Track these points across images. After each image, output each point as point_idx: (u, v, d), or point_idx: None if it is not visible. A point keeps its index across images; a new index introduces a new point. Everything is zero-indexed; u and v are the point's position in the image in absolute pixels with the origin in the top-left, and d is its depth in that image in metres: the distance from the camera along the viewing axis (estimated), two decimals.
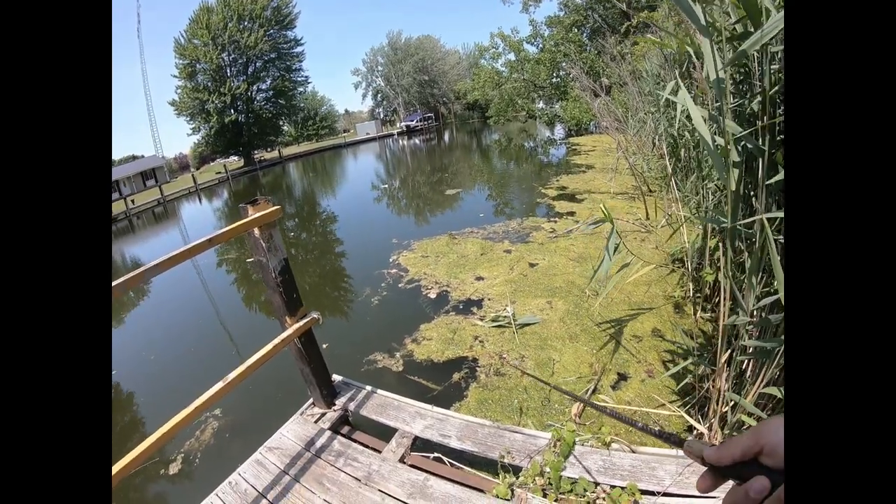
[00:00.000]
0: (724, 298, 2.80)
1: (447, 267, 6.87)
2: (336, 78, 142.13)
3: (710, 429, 2.71)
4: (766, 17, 2.03)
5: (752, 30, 2.25)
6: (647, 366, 3.80)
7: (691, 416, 2.95)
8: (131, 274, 1.86)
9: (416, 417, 2.56)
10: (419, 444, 2.51)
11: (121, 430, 5.50)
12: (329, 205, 18.38)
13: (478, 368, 4.17)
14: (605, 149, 15.27)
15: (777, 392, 2.24)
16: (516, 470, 2.25)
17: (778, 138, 2.45)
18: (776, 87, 2.32)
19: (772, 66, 2.32)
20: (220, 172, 39.38)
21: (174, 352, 6.70)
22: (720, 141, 2.50)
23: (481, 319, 5.04)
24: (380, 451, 2.45)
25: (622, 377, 3.71)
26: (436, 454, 2.48)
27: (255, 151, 46.12)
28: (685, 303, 4.63)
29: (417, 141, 45.05)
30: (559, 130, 26.40)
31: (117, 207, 30.01)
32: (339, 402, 2.82)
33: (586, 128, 22.30)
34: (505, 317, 4.92)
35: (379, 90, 64.09)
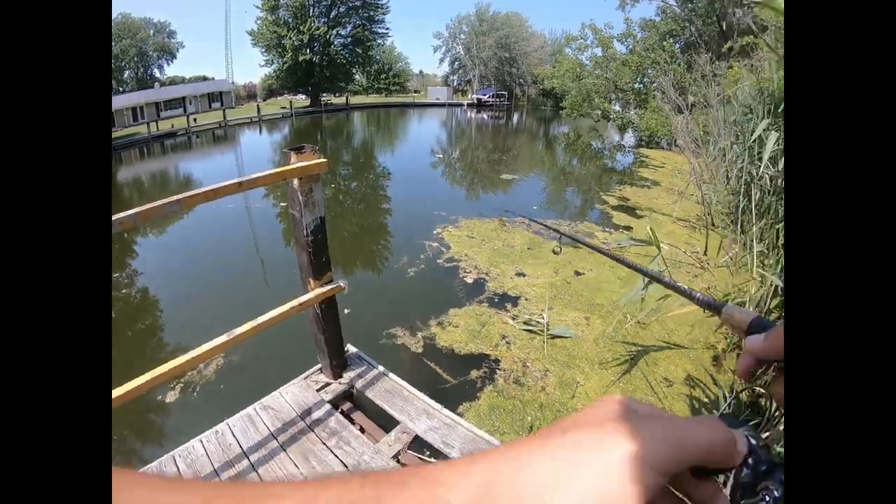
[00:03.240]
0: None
1: (490, 254, 6.64)
2: (416, 37, 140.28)
3: None
4: None
5: None
6: None
7: None
8: (144, 207, 1.73)
9: (422, 415, 2.39)
10: (419, 443, 2.35)
11: (131, 339, 5.58)
12: (385, 160, 18.33)
13: (498, 371, 3.98)
14: (675, 168, 14.56)
15: None
16: None
17: None
18: None
19: None
20: (284, 108, 39.82)
21: (202, 283, 6.75)
22: None
23: (513, 319, 4.83)
24: (376, 441, 2.30)
25: None
26: (432, 459, 2.32)
27: (324, 94, 46.15)
28: (725, 356, 4.30)
29: (485, 116, 44.43)
30: (629, 138, 25.52)
31: (179, 123, 31.11)
32: (348, 375, 2.67)
33: (658, 142, 21.41)
34: (538, 322, 4.69)
35: (457, 58, 63.21)
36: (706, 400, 3.71)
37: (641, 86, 26.76)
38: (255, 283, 6.46)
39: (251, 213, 9.84)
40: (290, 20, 41.12)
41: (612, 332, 4.61)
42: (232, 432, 2.40)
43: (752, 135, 5.13)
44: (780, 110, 4.52)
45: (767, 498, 0.35)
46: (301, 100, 47.86)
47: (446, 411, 2.46)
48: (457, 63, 64.01)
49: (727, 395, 3.44)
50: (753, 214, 4.57)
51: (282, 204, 10.08)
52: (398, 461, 2.20)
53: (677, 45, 25.99)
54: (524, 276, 5.95)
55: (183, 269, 7.60)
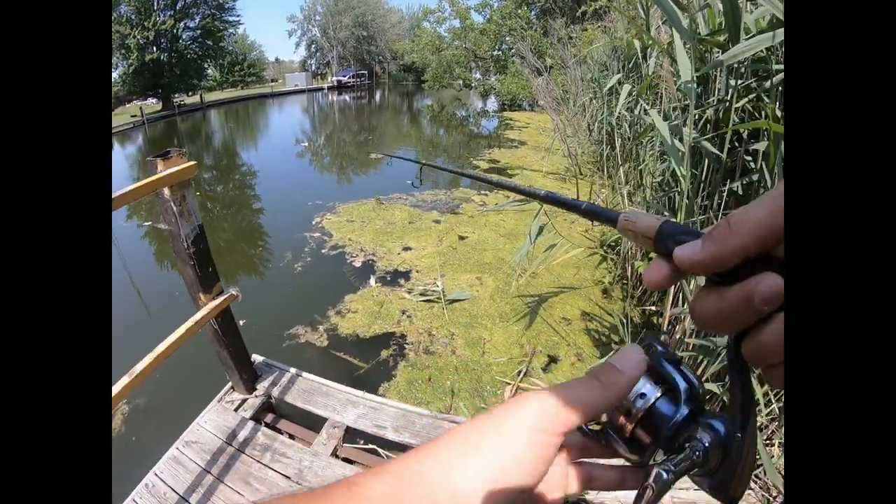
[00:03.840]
0: (671, 291, 2.82)
1: (374, 234, 6.61)
2: (269, 23, 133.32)
3: None
4: (744, 34, 2.06)
5: (722, 41, 2.27)
6: (576, 349, 3.81)
7: None
8: None
9: (347, 405, 2.36)
10: (352, 434, 2.32)
11: None
12: (249, 158, 17.37)
13: (407, 345, 4.02)
14: (539, 127, 15.33)
15: (716, 388, 2.25)
16: None
17: (739, 147, 2.47)
18: (742, 100, 2.35)
19: (737, 81, 2.33)
20: (135, 116, 35.89)
21: None
22: (678, 144, 2.51)
23: (409, 292, 4.88)
24: (310, 444, 2.24)
25: (553, 360, 3.71)
26: (370, 445, 2.31)
27: (176, 95, 41.82)
28: (613, 288, 4.69)
29: (347, 98, 43.80)
30: (492, 103, 26.38)
31: None
32: (261, 386, 2.56)
33: (520, 104, 22.34)
34: (434, 291, 4.78)
35: (314, 41, 61.27)
36: (604, 330, 4.04)
37: (500, 53, 27.71)
38: (135, 316, 5.86)
39: (115, 236, 8.86)
40: (132, 17, 36.09)
41: (506, 288, 4.83)
42: (162, 480, 2.18)
43: (605, 88, 5.53)
44: (631, 65, 4.91)
45: (697, 453, 0.32)
46: (152, 104, 43.13)
47: (369, 395, 2.46)
48: (314, 46, 62.02)
49: (622, 320, 3.75)
50: (619, 159, 4.95)
51: (146, 223, 9.23)
52: (337, 457, 2.16)
53: (533, 12, 27.12)
54: (411, 249, 6.02)
55: None
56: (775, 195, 0.26)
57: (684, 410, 0.34)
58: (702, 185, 2.79)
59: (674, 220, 0.34)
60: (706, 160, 2.66)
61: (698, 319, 0.30)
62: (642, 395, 0.35)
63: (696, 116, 2.62)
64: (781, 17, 1.77)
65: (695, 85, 2.37)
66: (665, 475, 0.31)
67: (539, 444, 0.32)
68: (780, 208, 0.25)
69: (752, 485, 2.11)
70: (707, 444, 0.32)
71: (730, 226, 0.27)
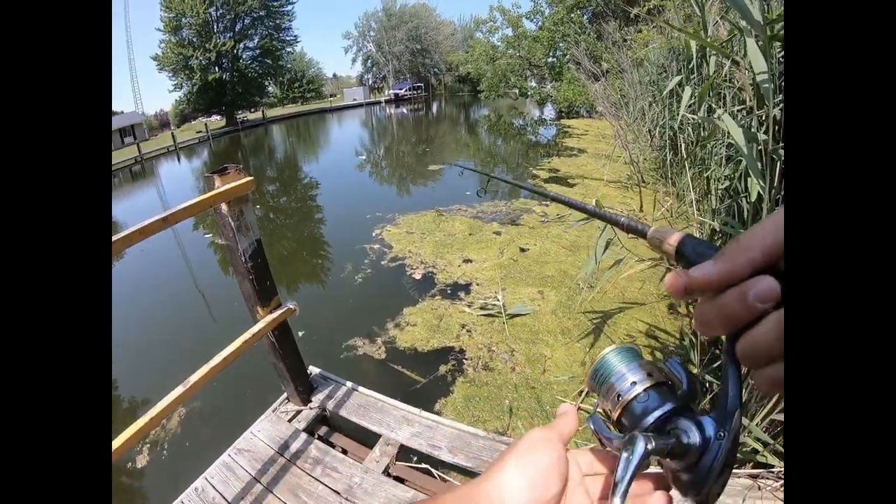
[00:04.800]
0: None
1: (433, 246, 6.57)
2: (326, 40, 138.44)
3: None
4: None
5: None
6: None
7: None
8: None
9: (402, 423, 2.30)
10: (406, 452, 2.26)
11: None
12: (311, 170, 17.90)
13: (465, 361, 3.93)
14: (598, 134, 14.97)
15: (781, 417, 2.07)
16: None
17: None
18: None
19: None
20: (200, 132, 37.86)
21: (143, 330, 6.16)
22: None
23: (469, 306, 4.79)
24: (362, 460, 2.19)
25: None
26: (424, 465, 2.23)
27: (238, 112, 44.15)
28: (679, 304, 4.44)
29: (405, 110, 44.59)
30: (549, 111, 26.10)
31: None
32: (316, 399, 2.54)
33: (577, 111, 21.98)
34: (494, 305, 4.67)
35: (369, 56, 62.97)
36: (671, 347, 3.82)
37: (555, 59, 27.42)
38: (201, 319, 6.07)
39: (182, 246, 9.28)
40: (194, 39, 38.90)
41: (569, 302, 4.66)
42: (212, 486, 2.20)
43: (664, 91, 5.28)
44: (691, 66, 4.66)
45: (678, 441, 0.34)
46: (216, 121, 45.61)
47: (425, 413, 2.38)
48: (370, 61, 63.71)
49: (693, 339, 3.52)
50: (686, 165, 4.71)
51: (206, 235, 9.58)
52: (389, 475, 2.10)
53: (585, 16, 26.64)
54: (471, 261, 5.93)
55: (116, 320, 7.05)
56: (779, 216, 0.28)
57: (670, 404, 0.36)
58: (772, 191, 2.57)
59: (695, 235, 0.36)
60: (778, 165, 2.45)
61: (699, 318, 0.32)
62: (633, 384, 0.38)
63: (764, 118, 2.42)
64: None
65: (772, 85, 2.17)
66: (642, 441, 0.33)
67: (548, 450, 0.39)
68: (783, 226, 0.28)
69: None
70: (690, 437, 0.33)
71: (739, 244, 0.29)
